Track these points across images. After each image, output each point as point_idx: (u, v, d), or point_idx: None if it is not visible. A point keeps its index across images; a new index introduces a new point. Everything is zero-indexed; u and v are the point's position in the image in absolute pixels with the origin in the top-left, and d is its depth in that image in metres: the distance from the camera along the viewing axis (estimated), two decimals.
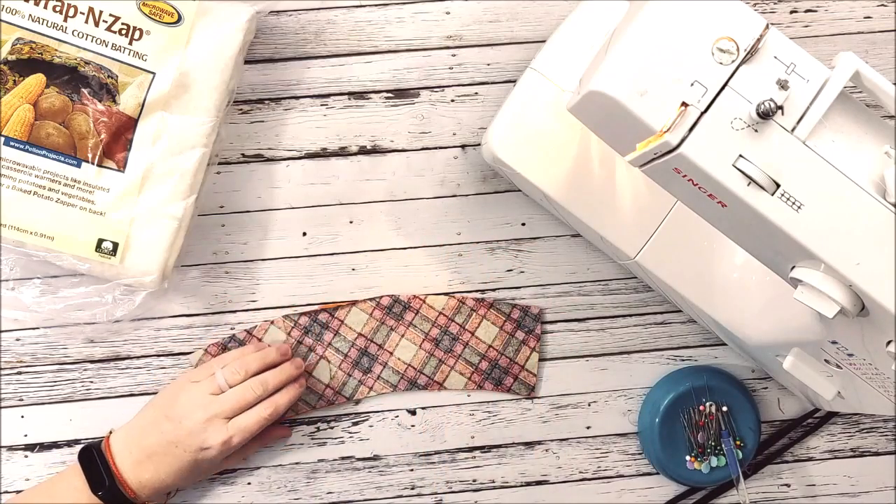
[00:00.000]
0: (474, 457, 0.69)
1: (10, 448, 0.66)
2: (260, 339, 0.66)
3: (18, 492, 0.66)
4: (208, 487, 0.67)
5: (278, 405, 0.61)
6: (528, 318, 0.68)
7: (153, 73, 0.60)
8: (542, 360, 0.68)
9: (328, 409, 0.67)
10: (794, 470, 0.71)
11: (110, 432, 0.61)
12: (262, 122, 0.67)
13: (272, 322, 0.66)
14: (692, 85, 0.42)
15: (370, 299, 0.67)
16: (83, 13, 0.59)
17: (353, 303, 0.67)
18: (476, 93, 0.68)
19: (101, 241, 0.61)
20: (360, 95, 0.67)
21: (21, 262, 0.63)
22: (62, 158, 0.60)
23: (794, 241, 0.43)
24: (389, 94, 0.67)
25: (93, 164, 0.60)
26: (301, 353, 0.66)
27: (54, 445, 0.66)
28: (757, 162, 0.42)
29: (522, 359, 0.68)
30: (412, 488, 0.68)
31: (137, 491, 0.59)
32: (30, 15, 0.59)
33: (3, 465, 0.66)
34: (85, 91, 0.60)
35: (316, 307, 0.67)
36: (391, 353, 0.67)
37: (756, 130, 0.42)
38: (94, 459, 0.59)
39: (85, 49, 0.60)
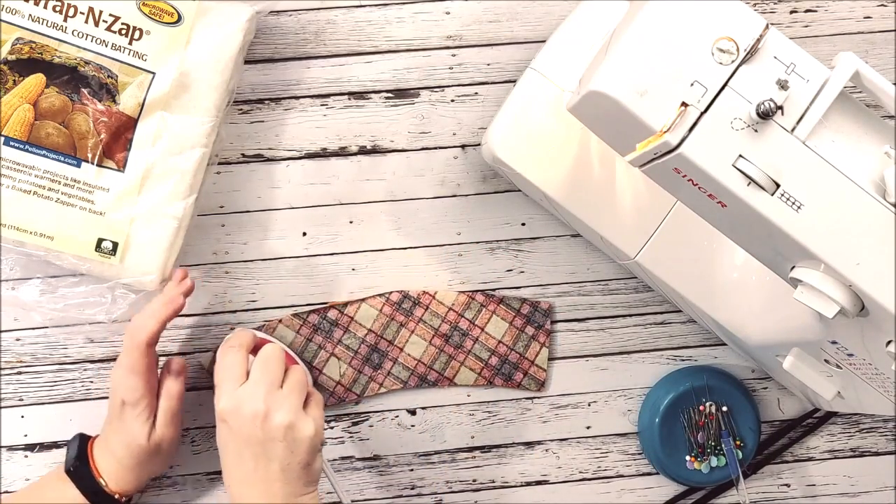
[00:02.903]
0: (474, 457, 0.69)
1: (10, 448, 0.66)
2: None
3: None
4: (208, 487, 0.67)
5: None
6: (538, 313, 0.68)
7: (153, 73, 0.60)
8: None
9: (332, 409, 0.67)
10: (794, 470, 0.71)
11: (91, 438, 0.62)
12: (262, 122, 0.67)
13: (280, 320, 0.66)
14: (692, 85, 0.43)
15: (379, 295, 0.67)
16: (83, 13, 0.59)
17: (363, 300, 0.67)
18: (476, 93, 0.68)
19: (100, 240, 0.61)
20: (360, 95, 0.67)
21: (21, 262, 0.63)
22: (62, 158, 0.60)
23: (794, 241, 0.43)
24: (389, 94, 0.67)
25: (93, 163, 0.60)
26: (311, 351, 0.66)
27: (54, 445, 0.66)
28: (757, 162, 0.42)
29: (532, 354, 0.68)
30: (412, 488, 0.68)
31: (109, 480, 0.59)
32: (30, 15, 0.59)
33: (3, 465, 0.66)
34: (85, 91, 0.60)
35: (322, 306, 0.67)
36: (401, 350, 0.67)
37: (756, 130, 0.42)
38: (75, 445, 0.61)
39: (85, 49, 0.60)
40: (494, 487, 0.69)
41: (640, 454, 0.70)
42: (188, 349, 0.67)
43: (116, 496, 0.60)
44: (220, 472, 0.66)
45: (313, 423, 0.55)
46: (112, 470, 0.59)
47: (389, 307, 0.67)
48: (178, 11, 0.60)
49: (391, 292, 0.67)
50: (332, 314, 0.67)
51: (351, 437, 0.68)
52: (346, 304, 0.67)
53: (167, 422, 0.60)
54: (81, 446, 0.61)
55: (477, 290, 0.68)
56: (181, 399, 0.61)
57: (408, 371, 0.67)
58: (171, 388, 0.61)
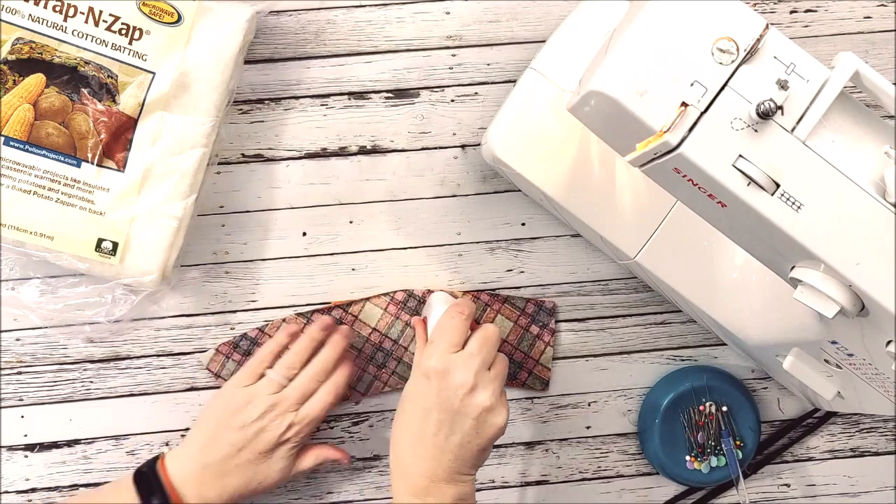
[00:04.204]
0: None
1: (10, 448, 0.66)
2: (271, 337, 0.66)
3: (26, 491, 0.66)
4: None
5: (338, 386, 0.61)
6: (543, 312, 0.68)
7: (153, 73, 0.60)
8: None
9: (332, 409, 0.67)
10: (794, 470, 0.71)
11: (161, 454, 0.60)
12: (262, 122, 0.67)
13: (284, 320, 0.66)
14: (692, 85, 0.42)
15: (384, 294, 0.67)
16: (83, 13, 0.60)
17: (367, 299, 0.67)
18: (476, 93, 0.68)
19: (100, 240, 0.61)
20: (360, 95, 0.67)
21: (21, 262, 0.63)
22: (62, 158, 0.60)
23: (794, 241, 0.43)
24: (389, 94, 0.67)
25: (93, 163, 0.60)
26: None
27: (54, 445, 0.66)
28: (757, 162, 0.42)
29: (537, 353, 0.68)
30: None
31: None
32: (30, 15, 0.59)
33: (3, 465, 0.66)
34: (85, 91, 0.60)
35: (321, 306, 0.67)
36: (405, 349, 0.67)
37: (756, 130, 0.42)
38: (152, 481, 0.57)
39: (85, 49, 0.60)
40: (494, 487, 0.69)
41: (640, 454, 0.70)
42: (188, 349, 0.67)
43: None
44: None
45: (506, 415, 0.56)
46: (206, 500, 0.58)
47: (394, 306, 0.67)
48: (178, 11, 0.60)
49: (396, 291, 0.67)
50: (336, 313, 0.67)
51: (351, 437, 0.68)
52: (349, 304, 0.67)
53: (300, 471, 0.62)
54: (161, 490, 0.57)
55: (481, 290, 0.68)
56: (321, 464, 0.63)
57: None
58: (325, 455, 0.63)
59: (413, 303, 0.67)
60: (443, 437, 0.55)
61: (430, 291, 0.67)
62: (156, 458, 0.59)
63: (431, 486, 0.54)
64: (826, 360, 0.56)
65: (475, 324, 0.61)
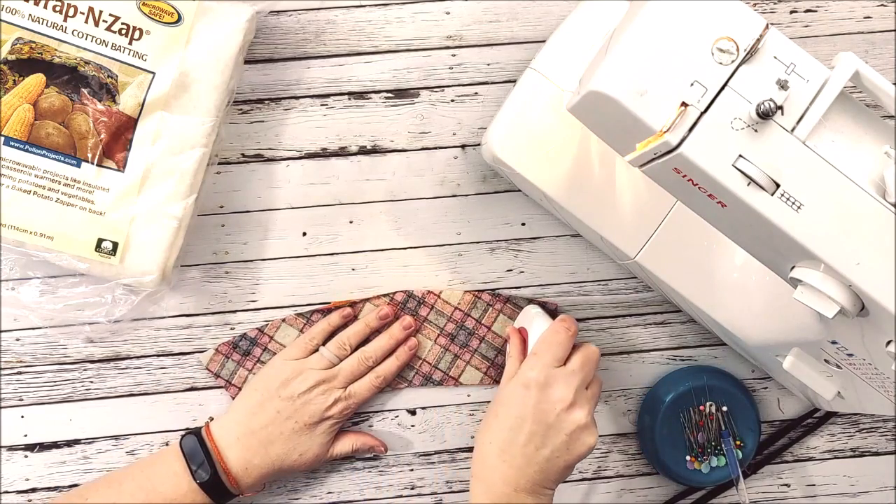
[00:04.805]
0: None
1: (10, 448, 0.66)
2: (272, 338, 0.66)
3: (26, 491, 0.66)
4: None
5: (388, 372, 0.63)
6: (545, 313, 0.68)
7: (153, 73, 0.60)
8: None
9: None
10: (794, 470, 0.71)
11: (210, 419, 0.62)
12: (262, 122, 0.67)
13: (284, 319, 0.66)
14: (692, 85, 0.42)
15: (384, 295, 0.67)
16: (83, 13, 0.59)
17: (367, 299, 0.67)
18: (476, 93, 0.68)
19: (100, 240, 0.61)
20: (360, 95, 0.67)
21: (21, 262, 0.63)
22: (62, 158, 0.60)
23: (794, 241, 0.43)
24: (389, 94, 0.67)
25: (93, 163, 0.60)
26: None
27: (54, 445, 0.66)
28: (757, 162, 0.42)
29: None
30: (412, 488, 0.68)
31: (241, 478, 0.59)
32: (30, 15, 0.59)
33: (3, 465, 0.66)
34: (85, 91, 0.60)
35: (321, 305, 0.67)
36: None
37: (756, 130, 0.42)
38: (197, 446, 0.59)
39: (85, 49, 0.60)
40: None
41: (640, 454, 0.70)
42: (188, 349, 0.67)
43: (242, 495, 0.60)
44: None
45: (597, 436, 0.57)
46: (254, 475, 0.60)
47: (394, 307, 0.67)
48: (178, 11, 0.60)
49: (395, 292, 0.67)
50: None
51: None
52: (350, 305, 0.67)
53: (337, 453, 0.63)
54: (206, 451, 0.59)
55: (482, 290, 0.68)
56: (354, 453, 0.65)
57: (412, 370, 0.67)
58: (364, 443, 0.65)
59: (413, 303, 0.67)
60: (532, 448, 0.55)
61: (430, 293, 0.67)
62: (200, 427, 0.62)
63: (512, 494, 0.55)
64: (826, 360, 0.56)
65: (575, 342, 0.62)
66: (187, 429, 0.65)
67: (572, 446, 0.56)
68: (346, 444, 0.64)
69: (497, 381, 0.67)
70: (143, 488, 0.58)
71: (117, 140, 0.60)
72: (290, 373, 0.62)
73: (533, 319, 0.64)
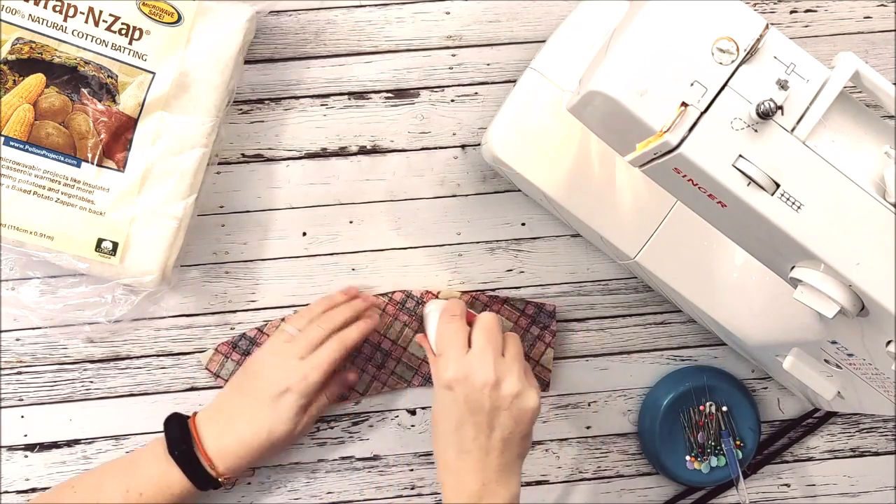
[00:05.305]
0: None
1: (10, 448, 0.66)
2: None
3: (26, 492, 0.66)
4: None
5: (346, 338, 0.61)
6: (543, 314, 0.68)
7: (153, 73, 0.60)
8: None
9: (333, 408, 0.67)
10: (794, 470, 0.71)
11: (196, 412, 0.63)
12: (262, 122, 0.67)
13: (283, 319, 0.66)
14: (692, 85, 0.42)
15: (382, 294, 0.67)
16: (83, 13, 0.59)
17: None
18: (476, 93, 0.68)
19: (100, 240, 0.61)
20: (360, 95, 0.67)
21: (21, 262, 0.63)
22: (62, 158, 0.60)
23: (794, 241, 0.43)
24: (389, 94, 0.67)
25: (93, 163, 0.60)
26: None
27: (54, 445, 0.66)
28: (757, 162, 0.42)
29: (537, 354, 0.68)
30: (412, 488, 0.68)
31: (216, 460, 0.59)
32: (30, 15, 0.59)
33: (3, 465, 0.66)
34: (85, 91, 0.60)
35: None
36: (405, 349, 0.67)
37: (756, 130, 0.42)
38: (176, 425, 0.60)
39: (85, 49, 0.60)
40: None
41: (640, 454, 0.70)
42: (188, 349, 0.67)
43: (222, 479, 0.59)
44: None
45: (536, 393, 0.56)
46: (228, 455, 0.59)
47: (392, 307, 0.67)
48: (178, 11, 0.60)
49: (394, 292, 0.67)
50: None
51: (351, 437, 0.68)
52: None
53: (313, 419, 0.62)
54: (183, 427, 0.60)
55: (480, 291, 0.68)
56: (331, 403, 0.64)
57: (412, 371, 0.67)
58: (333, 391, 0.64)
59: (411, 303, 0.67)
60: (484, 438, 0.55)
61: (429, 293, 0.67)
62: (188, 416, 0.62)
63: (483, 489, 0.54)
64: (826, 360, 0.56)
65: (472, 315, 0.61)
66: None
67: (518, 417, 0.55)
68: (319, 401, 0.62)
69: None
70: (125, 471, 0.59)
71: (117, 140, 0.60)
72: (257, 355, 0.62)
73: (428, 319, 0.63)
